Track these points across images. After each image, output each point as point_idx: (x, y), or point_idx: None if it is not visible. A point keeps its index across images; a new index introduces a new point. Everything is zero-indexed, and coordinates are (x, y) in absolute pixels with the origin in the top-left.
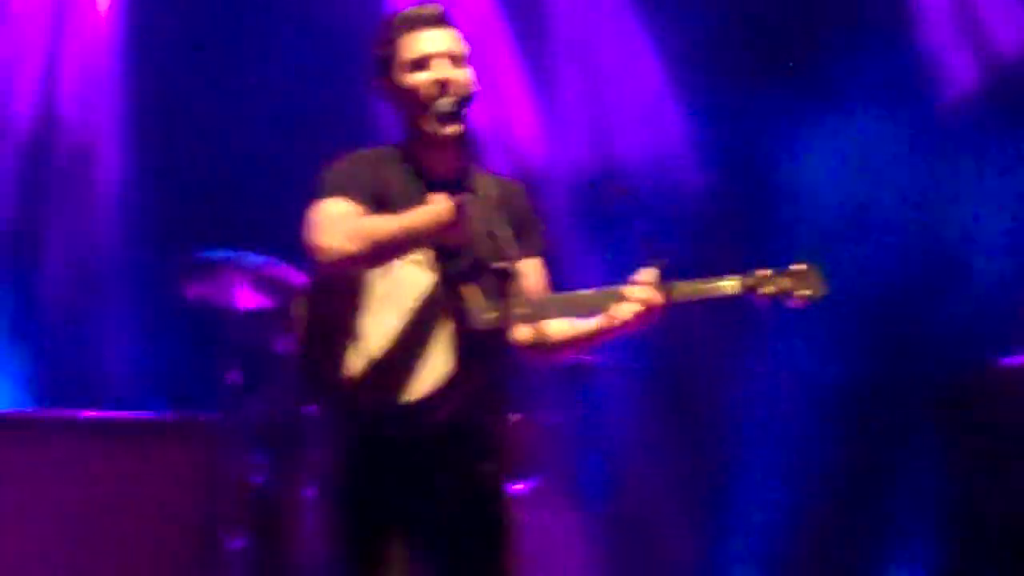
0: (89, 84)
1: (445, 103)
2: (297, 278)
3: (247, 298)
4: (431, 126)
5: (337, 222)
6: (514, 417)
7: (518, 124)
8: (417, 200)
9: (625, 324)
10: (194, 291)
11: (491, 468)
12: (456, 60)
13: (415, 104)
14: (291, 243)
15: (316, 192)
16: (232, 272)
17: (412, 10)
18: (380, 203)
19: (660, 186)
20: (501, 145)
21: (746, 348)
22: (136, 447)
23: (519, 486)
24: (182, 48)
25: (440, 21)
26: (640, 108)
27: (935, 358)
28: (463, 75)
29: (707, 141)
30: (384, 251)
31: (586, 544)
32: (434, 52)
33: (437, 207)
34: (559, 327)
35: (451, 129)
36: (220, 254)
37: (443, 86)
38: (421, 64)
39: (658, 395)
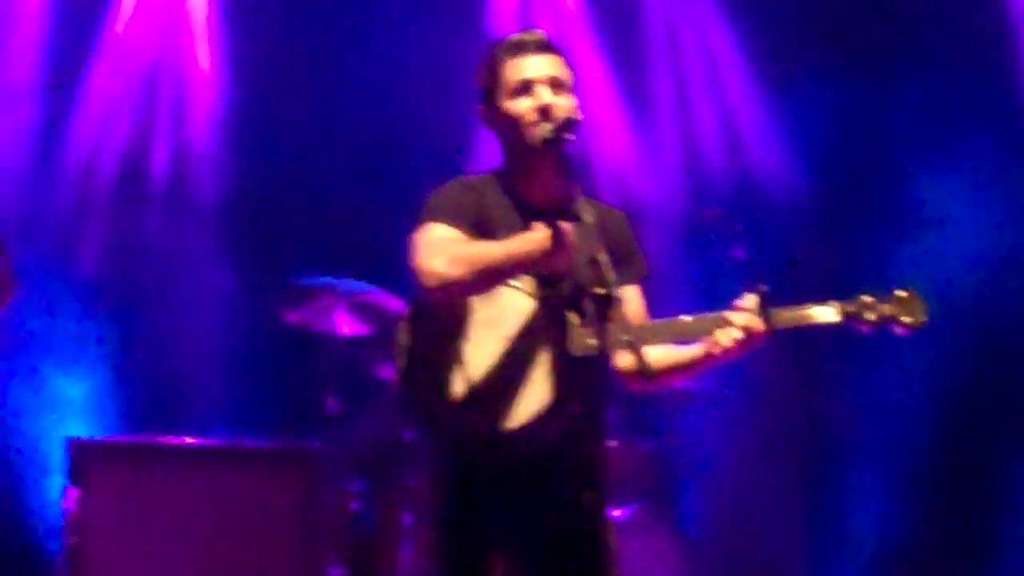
0: (187, 117)
1: (546, 129)
2: (395, 304)
3: (346, 324)
4: (531, 152)
5: (442, 247)
6: (614, 443)
7: (614, 149)
8: (518, 227)
9: (726, 352)
10: (293, 317)
11: (592, 495)
12: (559, 86)
13: (516, 130)
14: (388, 269)
15: (420, 217)
16: (330, 298)
17: (516, 36)
18: (482, 230)
19: (757, 212)
20: (597, 170)
21: (846, 370)
22: (237, 474)
23: (618, 512)
24: (281, 73)
25: (544, 47)
26: (738, 131)
27: None
28: (565, 102)
29: (805, 166)
30: (487, 277)
31: (686, 570)
32: (537, 78)
33: (539, 235)
34: (660, 354)
35: (550, 151)
36: (318, 280)
37: (544, 112)
38: (523, 90)
39: (756, 420)
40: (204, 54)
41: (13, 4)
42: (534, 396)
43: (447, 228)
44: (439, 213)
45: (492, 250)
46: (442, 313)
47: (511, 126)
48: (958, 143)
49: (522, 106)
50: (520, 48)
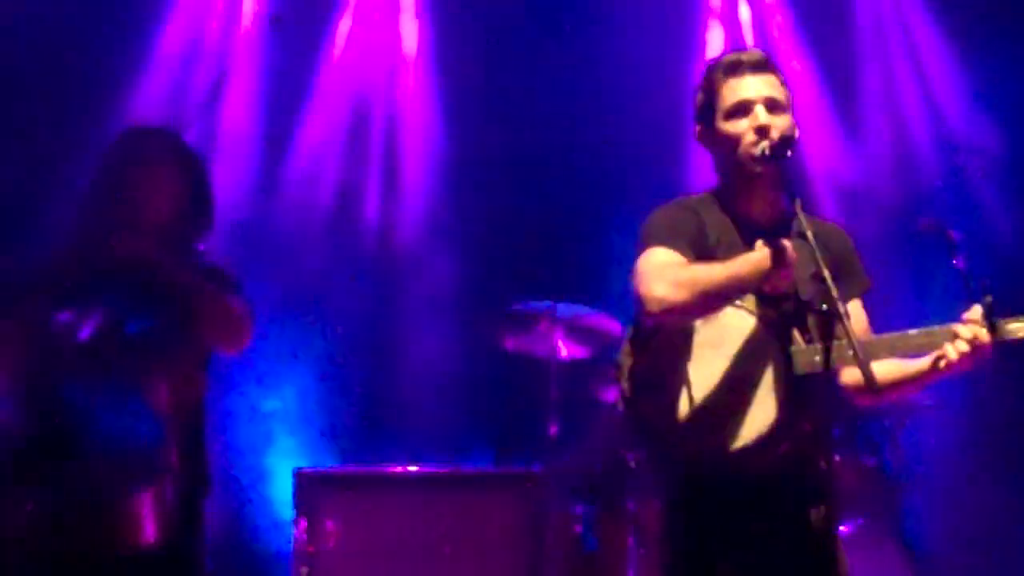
0: (400, 147)
1: (763, 146)
2: (612, 326)
3: (564, 348)
4: (750, 171)
5: (664, 272)
6: (839, 458)
7: (828, 157)
8: (739, 246)
9: (954, 364)
10: (512, 343)
11: (820, 512)
12: (775, 106)
13: (734, 150)
14: (605, 292)
15: (640, 242)
16: (548, 323)
17: (733, 55)
18: (702, 251)
19: (974, 223)
20: (813, 181)
21: None
22: (460, 500)
23: (844, 527)
24: (493, 101)
25: (761, 67)
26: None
27: None
28: (783, 121)
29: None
30: (711, 300)
31: None
32: (754, 98)
33: (761, 254)
34: (886, 369)
35: (768, 169)
36: (536, 305)
37: (762, 132)
38: (741, 111)
39: (980, 433)
40: (416, 84)
41: (232, 36)
42: (761, 415)
43: (668, 252)
44: (659, 237)
45: (714, 273)
46: (665, 335)
47: (729, 146)
48: None
49: (740, 127)
50: (736, 69)
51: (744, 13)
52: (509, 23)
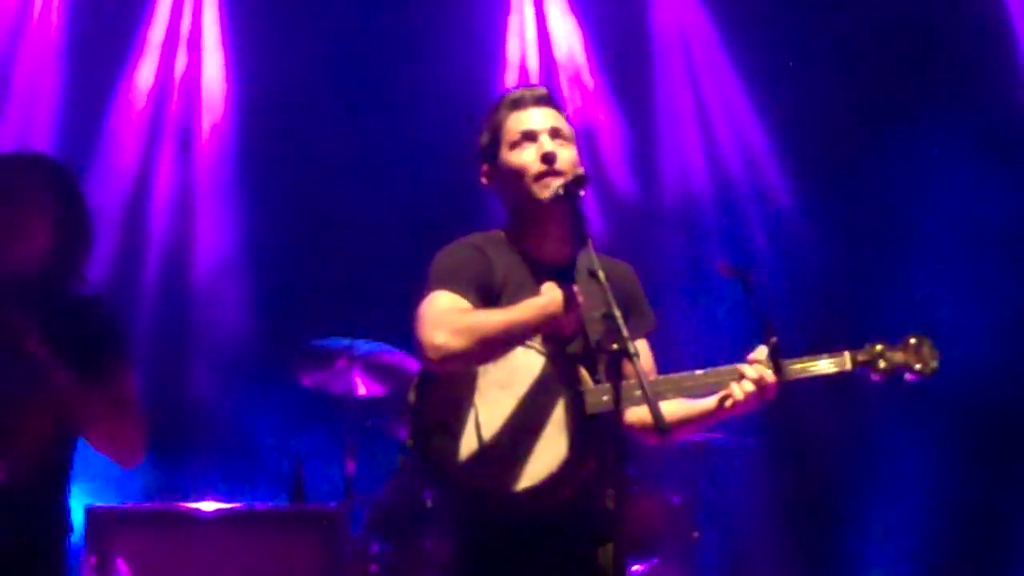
0: (211, 197)
1: (556, 185)
2: (412, 364)
3: (362, 385)
4: (539, 206)
5: (444, 318)
6: (631, 497)
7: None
8: (527, 286)
9: (739, 404)
10: (310, 379)
11: (609, 550)
12: (560, 136)
13: (521, 182)
14: (404, 329)
15: (425, 284)
16: (346, 360)
17: (517, 92)
18: (489, 292)
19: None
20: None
21: (863, 418)
22: (255, 538)
23: (638, 566)
24: (296, 134)
25: (544, 101)
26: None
27: None
28: (568, 152)
29: (817, 213)
30: (493, 347)
31: None
32: (538, 128)
33: (547, 299)
34: (673, 408)
35: (563, 211)
36: (333, 342)
37: (548, 159)
38: (526, 139)
39: (773, 472)
40: (214, 111)
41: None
42: (549, 455)
43: (451, 296)
44: (442, 280)
45: (496, 319)
46: (453, 374)
47: (516, 178)
48: None
49: (525, 156)
50: (520, 103)
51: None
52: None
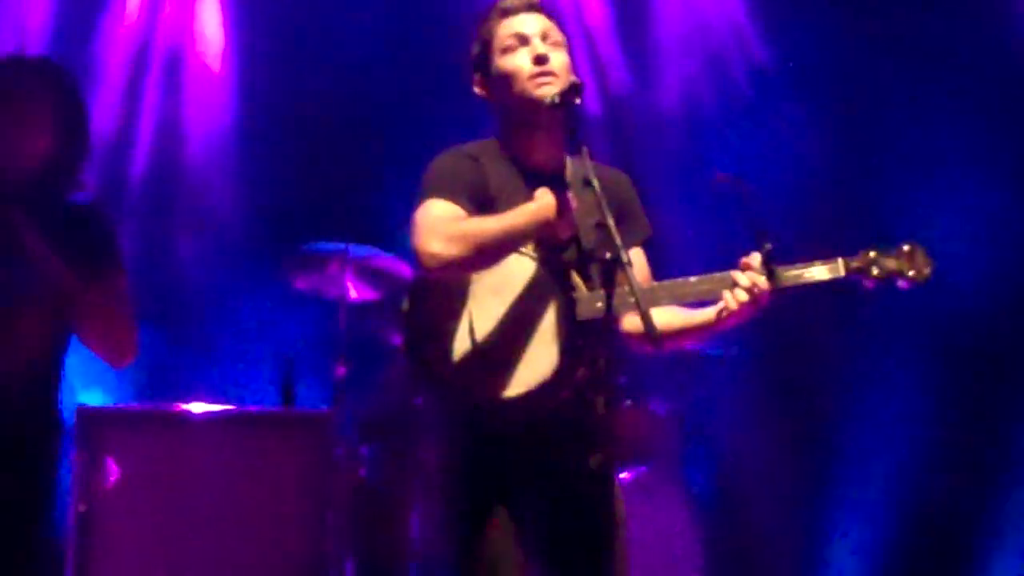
0: (204, 95)
1: (552, 93)
2: (404, 269)
3: (355, 289)
4: (534, 110)
5: (439, 226)
6: (622, 405)
7: (616, 106)
8: (521, 193)
9: (733, 313)
10: (303, 283)
11: (599, 459)
12: (552, 42)
13: (515, 86)
14: (398, 234)
15: (419, 193)
16: (339, 264)
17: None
18: (483, 199)
19: (763, 171)
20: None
21: (856, 329)
22: (246, 440)
23: (626, 474)
24: (286, 50)
25: (535, 7)
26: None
27: None
28: (560, 56)
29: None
30: (488, 254)
31: (692, 532)
32: (530, 32)
33: (540, 205)
34: (668, 317)
35: (559, 119)
36: (327, 246)
37: (540, 60)
38: (518, 42)
39: (764, 383)
40: (206, 26)
41: None
42: (541, 362)
43: (446, 204)
44: (437, 189)
45: (491, 225)
46: (445, 283)
47: (509, 83)
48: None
49: (517, 59)
50: (510, 10)
51: None
52: None
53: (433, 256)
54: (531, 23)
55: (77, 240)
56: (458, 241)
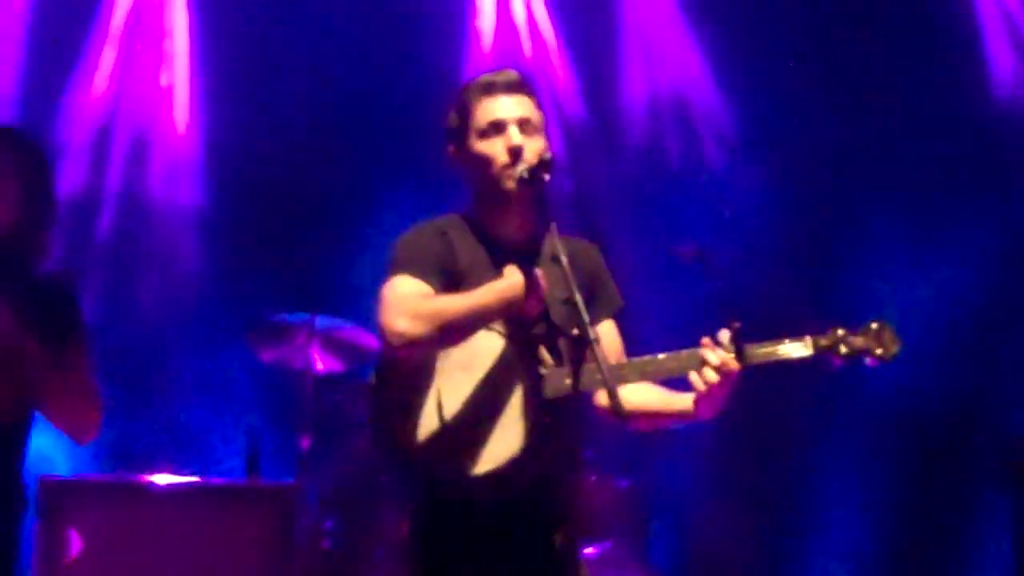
0: (171, 164)
1: (521, 169)
2: (370, 341)
3: (320, 361)
4: (505, 194)
5: (406, 303)
6: (587, 480)
7: (585, 178)
8: (490, 269)
9: (704, 395)
10: (269, 354)
11: (564, 536)
12: (529, 127)
13: (487, 172)
14: (364, 306)
15: (387, 268)
16: (305, 335)
17: (488, 76)
18: (452, 275)
19: (732, 248)
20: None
21: (819, 404)
22: (210, 513)
23: (591, 549)
24: (254, 104)
25: (515, 88)
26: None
27: (1010, 419)
28: (536, 143)
29: (777, 200)
30: (454, 333)
31: None
32: (507, 118)
33: (508, 283)
34: (646, 397)
35: (527, 195)
36: (294, 317)
37: (515, 153)
38: (494, 130)
39: (727, 456)
40: (178, 93)
41: None
42: (508, 440)
43: (413, 281)
44: (404, 265)
45: (457, 304)
46: (412, 359)
47: (482, 167)
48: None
49: (493, 147)
50: (490, 89)
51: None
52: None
53: (399, 334)
54: (510, 107)
55: (42, 311)
56: (425, 319)
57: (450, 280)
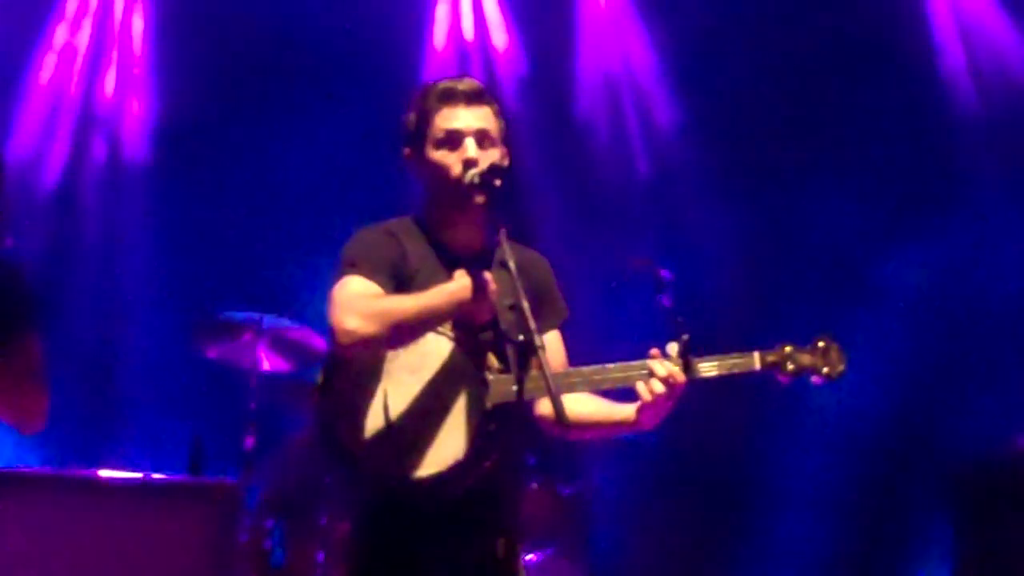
0: (123, 151)
1: (472, 174)
2: (318, 342)
3: (267, 360)
4: (456, 200)
5: (356, 303)
6: (529, 487)
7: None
8: (439, 274)
9: (648, 405)
10: (215, 351)
11: (506, 542)
12: (487, 140)
13: (440, 180)
14: (312, 306)
15: (338, 268)
16: (253, 334)
17: (449, 83)
18: (402, 277)
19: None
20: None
21: (765, 419)
22: (150, 509)
23: (532, 555)
24: (210, 111)
25: (476, 98)
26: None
27: (960, 434)
28: (491, 156)
29: (734, 216)
30: (403, 333)
31: None
32: (465, 130)
33: (457, 286)
34: (588, 407)
35: (478, 200)
36: (242, 315)
37: (469, 166)
38: (451, 141)
39: (672, 467)
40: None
41: None
42: (452, 444)
43: (363, 281)
44: (355, 265)
45: (407, 304)
46: (360, 359)
47: (436, 176)
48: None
49: (448, 158)
50: (450, 97)
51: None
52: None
53: (348, 332)
54: (468, 119)
55: None
56: (374, 319)
57: (399, 281)
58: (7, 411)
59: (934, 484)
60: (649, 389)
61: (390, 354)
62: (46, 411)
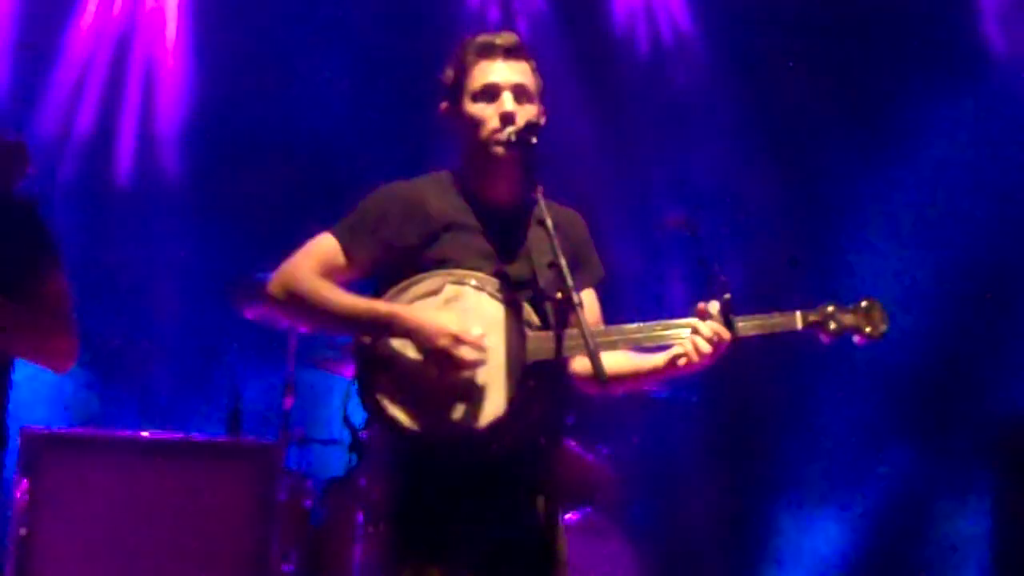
0: (153, 113)
1: (509, 132)
2: None
3: None
4: (492, 155)
5: (300, 265)
6: (570, 446)
7: (578, 147)
8: (473, 229)
9: (690, 361)
10: (253, 312)
11: (545, 501)
12: (524, 94)
13: (477, 133)
14: None
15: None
16: None
17: (487, 37)
18: (432, 232)
19: (725, 218)
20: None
21: (804, 376)
22: (191, 469)
23: (571, 515)
24: (244, 80)
25: (514, 52)
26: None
27: (1004, 390)
28: (529, 111)
29: (773, 176)
30: (308, 320)
31: (636, 573)
32: (503, 83)
33: (388, 312)
34: (621, 361)
35: (511, 155)
36: None
37: (507, 119)
38: (487, 94)
39: (711, 428)
40: (173, 46)
41: None
42: (492, 401)
43: (332, 243)
44: (343, 225)
45: (333, 302)
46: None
47: (472, 129)
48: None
49: (485, 111)
50: (489, 51)
51: None
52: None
53: (271, 286)
54: (506, 73)
55: (10, 239)
56: (292, 289)
57: (422, 241)
58: (35, 351)
59: (976, 440)
60: (694, 347)
61: (433, 309)
62: (75, 349)
